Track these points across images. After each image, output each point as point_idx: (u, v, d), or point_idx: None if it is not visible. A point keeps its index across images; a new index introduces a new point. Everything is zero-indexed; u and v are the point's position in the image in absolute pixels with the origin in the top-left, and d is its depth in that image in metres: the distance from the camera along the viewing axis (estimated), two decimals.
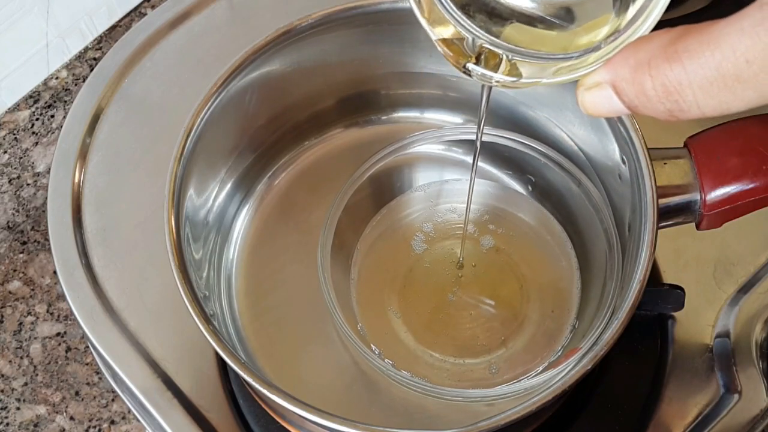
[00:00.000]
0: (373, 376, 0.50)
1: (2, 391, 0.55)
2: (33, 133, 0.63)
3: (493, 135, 0.51)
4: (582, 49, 0.30)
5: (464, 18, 0.33)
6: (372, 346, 0.50)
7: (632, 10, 0.29)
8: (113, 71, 0.58)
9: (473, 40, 0.33)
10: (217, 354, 0.45)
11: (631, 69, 0.25)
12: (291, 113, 0.55)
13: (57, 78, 0.64)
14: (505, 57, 0.32)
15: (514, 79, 0.32)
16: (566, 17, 0.31)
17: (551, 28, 0.32)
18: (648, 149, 0.43)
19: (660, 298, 0.51)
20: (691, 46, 0.23)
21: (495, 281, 0.52)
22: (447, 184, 0.55)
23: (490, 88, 0.39)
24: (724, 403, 0.50)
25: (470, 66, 0.33)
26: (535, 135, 0.51)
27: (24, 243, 0.59)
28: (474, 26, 0.33)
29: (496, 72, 0.32)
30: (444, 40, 0.33)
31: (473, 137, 0.51)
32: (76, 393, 0.54)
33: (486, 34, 0.32)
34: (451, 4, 0.33)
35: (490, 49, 0.33)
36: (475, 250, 0.53)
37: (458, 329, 0.51)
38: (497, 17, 0.32)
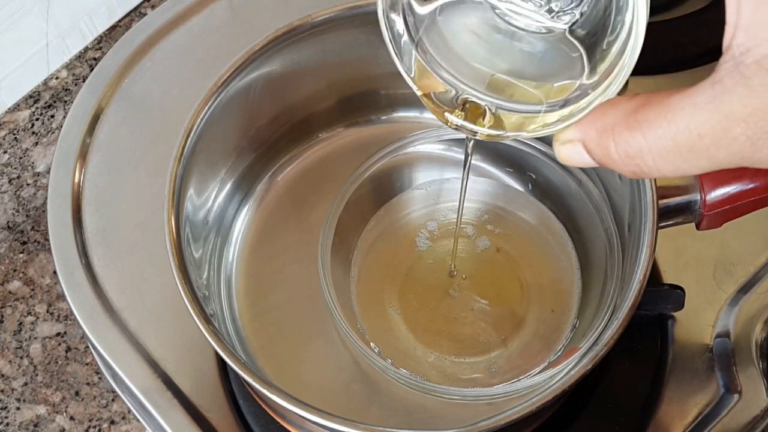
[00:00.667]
0: (373, 375, 0.50)
1: (2, 391, 0.55)
2: (33, 133, 0.63)
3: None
4: (557, 100, 0.32)
5: (450, 71, 0.34)
6: (372, 344, 0.50)
7: (601, 69, 0.30)
8: (113, 71, 0.58)
9: (456, 94, 0.34)
10: (217, 354, 0.45)
11: (597, 132, 0.27)
12: (291, 113, 0.55)
13: (57, 78, 0.64)
14: (488, 109, 0.34)
15: (499, 132, 0.33)
16: (541, 72, 0.33)
17: (528, 82, 0.33)
18: None
19: (660, 298, 0.51)
20: (650, 117, 0.25)
21: (495, 280, 0.52)
22: (448, 182, 0.55)
23: (473, 140, 0.40)
24: (724, 403, 0.50)
25: (456, 120, 0.34)
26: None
27: (24, 243, 0.59)
28: (459, 79, 0.34)
29: (480, 125, 0.34)
30: (427, 95, 0.35)
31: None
32: (76, 393, 0.54)
33: (470, 87, 0.34)
34: (436, 58, 0.34)
35: (473, 102, 0.34)
36: (476, 249, 0.53)
37: (458, 328, 0.51)
38: (479, 71, 0.34)
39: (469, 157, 0.44)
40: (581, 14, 0.31)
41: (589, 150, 0.28)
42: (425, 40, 0.34)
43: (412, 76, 0.35)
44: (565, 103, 0.31)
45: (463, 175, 0.45)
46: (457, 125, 0.34)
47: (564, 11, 0.32)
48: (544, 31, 0.32)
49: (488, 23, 0.33)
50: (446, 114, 0.34)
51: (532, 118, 0.33)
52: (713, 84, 0.24)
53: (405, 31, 0.34)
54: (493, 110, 0.34)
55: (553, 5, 0.32)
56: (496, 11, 0.33)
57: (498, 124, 0.34)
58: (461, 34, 0.34)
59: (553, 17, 0.32)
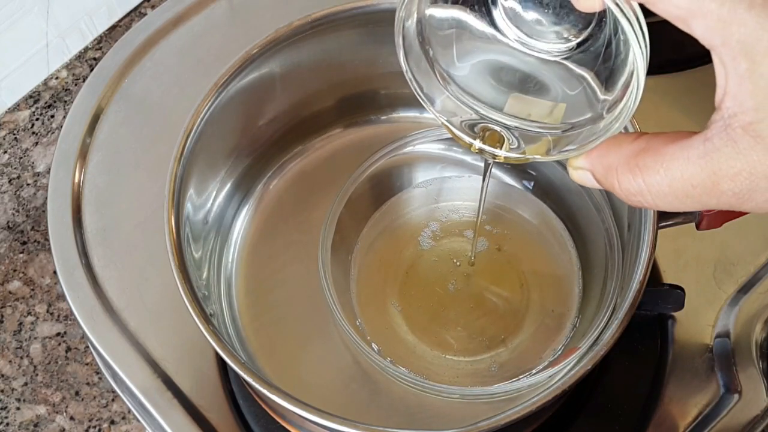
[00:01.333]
0: (374, 375, 0.50)
1: (2, 391, 0.55)
2: (33, 133, 0.63)
3: None
4: (572, 122, 0.34)
5: (470, 98, 0.36)
6: (371, 343, 0.50)
7: (611, 95, 0.32)
8: (113, 71, 0.58)
9: (476, 118, 0.36)
10: (217, 354, 0.45)
11: (603, 169, 0.30)
12: (291, 113, 0.55)
13: (57, 78, 0.64)
14: (507, 134, 0.36)
15: (518, 155, 0.36)
16: (555, 95, 0.35)
17: (544, 102, 0.35)
18: None
19: (660, 298, 0.51)
20: (648, 164, 0.28)
21: (496, 279, 0.52)
22: (448, 181, 0.55)
23: (492, 164, 0.43)
24: (724, 403, 0.50)
25: (478, 144, 0.36)
26: None
27: (24, 243, 0.59)
28: (479, 104, 0.36)
29: (500, 149, 0.36)
30: (449, 121, 0.37)
31: None
32: (76, 393, 0.54)
33: (490, 110, 0.36)
34: (457, 85, 0.36)
35: (493, 129, 0.36)
36: (477, 248, 0.53)
37: (458, 327, 0.51)
38: (497, 96, 0.36)
39: (488, 178, 0.46)
40: (587, 38, 0.33)
41: (597, 180, 0.30)
42: (444, 70, 0.36)
43: (434, 105, 0.36)
44: (580, 126, 0.33)
45: (481, 196, 0.47)
46: (479, 149, 0.36)
47: (570, 33, 0.33)
48: (555, 56, 0.34)
49: (502, 53, 0.35)
50: (468, 138, 0.36)
51: (549, 141, 0.35)
52: (704, 141, 0.26)
53: (425, 62, 0.36)
54: (514, 134, 0.36)
55: (559, 29, 0.33)
56: (509, 43, 0.34)
57: (517, 147, 0.36)
58: (478, 65, 0.36)
59: (561, 40, 0.33)
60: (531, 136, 0.35)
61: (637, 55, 0.28)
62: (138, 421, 0.51)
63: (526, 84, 0.35)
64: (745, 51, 0.24)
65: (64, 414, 0.54)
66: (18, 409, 0.54)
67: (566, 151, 0.33)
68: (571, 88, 0.34)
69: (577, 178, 0.32)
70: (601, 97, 0.33)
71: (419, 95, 0.36)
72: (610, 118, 0.32)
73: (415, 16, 0.34)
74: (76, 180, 0.55)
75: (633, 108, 0.30)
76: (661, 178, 0.27)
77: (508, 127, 0.36)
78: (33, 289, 0.58)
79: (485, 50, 0.35)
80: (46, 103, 0.64)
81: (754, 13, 0.23)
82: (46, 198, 0.55)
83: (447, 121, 0.36)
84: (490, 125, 0.36)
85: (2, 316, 0.57)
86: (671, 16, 0.25)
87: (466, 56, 0.36)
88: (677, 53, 0.59)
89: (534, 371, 0.48)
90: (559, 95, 0.35)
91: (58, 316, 0.57)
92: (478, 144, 0.36)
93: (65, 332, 0.56)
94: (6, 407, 0.54)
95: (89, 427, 0.54)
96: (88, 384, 0.55)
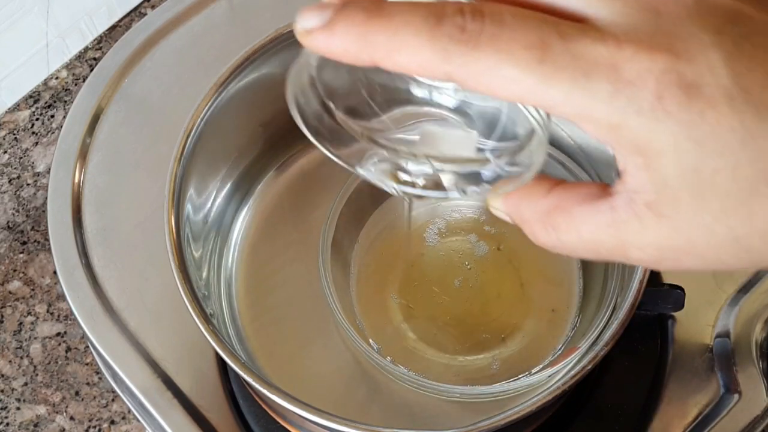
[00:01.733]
0: (374, 375, 0.50)
1: (2, 391, 0.55)
2: (33, 133, 0.63)
3: None
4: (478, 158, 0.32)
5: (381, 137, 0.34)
6: (371, 342, 0.50)
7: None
8: (113, 71, 0.58)
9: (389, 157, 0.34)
10: (217, 354, 0.45)
11: (519, 220, 0.30)
12: (291, 113, 0.55)
13: (57, 78, 0.64)
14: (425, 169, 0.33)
15: (436, 193, 0.33)
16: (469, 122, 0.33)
17: (456, 133, 0.33)
18: None
19: (660, 298, 0.51)
20: (561, 225, 0.28)
21: (496, 278, 0.52)
22: None
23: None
24: (724, 403, 0.50)
25: (394, 186, 0.33)
26: None
27: (24, 243, 0.59)
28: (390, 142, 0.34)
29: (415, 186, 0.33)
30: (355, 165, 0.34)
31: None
32: (76, 393, 0.54)
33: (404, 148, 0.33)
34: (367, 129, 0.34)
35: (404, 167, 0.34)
36: (477, 246, 0.53)
37: (458, 326, 0.51)
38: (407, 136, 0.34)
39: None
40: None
41: (515, 223, 0.31)
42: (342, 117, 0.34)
43: (340, 154, 0.34)
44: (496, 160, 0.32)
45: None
46: (398, 191, 0.34)
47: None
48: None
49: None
50: (388, 185, 0.34)
51: (467, 177, 0.33)
52: (611, 209, 0.26)
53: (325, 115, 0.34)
54: (429, 171, 0.33)
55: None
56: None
57: (435, 185, 0.33)
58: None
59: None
60: (447, 173, 0.33)
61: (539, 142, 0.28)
62: (138, 421, 0.51)
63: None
64: (638, 149, 0.24)
65: (64, 414, 0.54)
66: (18, 409, 0.54)
67: (481, 193, 0.32)
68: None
69: (498, 215, 0.32)
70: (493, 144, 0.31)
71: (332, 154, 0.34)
72: (515, 163, 0.31)
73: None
74: (76, 180, 0.55)
75: (540, 162, 0.29)
76: (575, 239, 0.27)
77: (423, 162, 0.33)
78: (33, 289, 0.58)
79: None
80: (46, 103, 0.64)
81: (644, 119, 0.23)
82: (46, 198, 0.55)
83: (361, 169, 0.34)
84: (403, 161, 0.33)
85: (2, 316, 0.57)
86: (561, 117, 0.24)
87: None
88: None
89: (534, 371, 0.48)
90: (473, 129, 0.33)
91: (58, 316, 0.57)
92: (395, 186, 0.33)
93: (65, 332, 0.56)
94: (6, 407, 0.54)
95: (89, 427, 0.54)
96: (88, 384, 0.55)
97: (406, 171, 0.33)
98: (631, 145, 0.24)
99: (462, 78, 0.24)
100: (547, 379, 0.45)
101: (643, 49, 0.23)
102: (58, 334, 0.56)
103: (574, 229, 0.27)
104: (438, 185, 0.33)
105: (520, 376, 0.48)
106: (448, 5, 0.24)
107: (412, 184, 0.33)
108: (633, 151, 0.24)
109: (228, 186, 0.53)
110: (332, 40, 0.25)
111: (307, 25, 0.25)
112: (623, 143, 0.24)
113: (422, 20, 0.24)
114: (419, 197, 0.33)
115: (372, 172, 0.34)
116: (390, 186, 0.33)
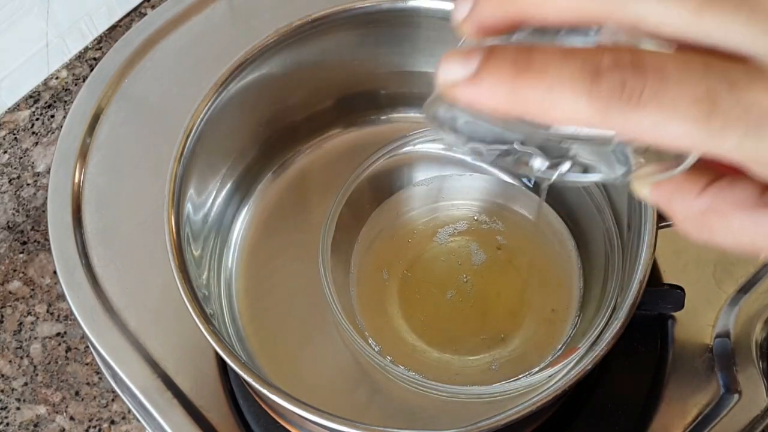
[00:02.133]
0: (374, 375, 0.50)
1: (2, 391, 0.55)
2: (33, 133, 0.63)
3: None
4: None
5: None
6: (371, 342, 0.50)
7: None
8: (113, 71, 0.58)
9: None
10: (217, 354, 0.45)
11: (670, 213, 0.27)
12: (290, 113, 0.55)
13: (57, 78, 0.64)
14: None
15: (578, 176, 0.31)
16: None
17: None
18: None
19: (660, 298, 0.51)
20: (717, 229, 0.26)
21: (496, 278, 0.52)
22: (449, 179, 0.55)
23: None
24: (724, 403, 0.50)
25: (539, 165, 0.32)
26: None
27: (24, 243, 0.59)
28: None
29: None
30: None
31: None
32: (76, 393, 0.54)
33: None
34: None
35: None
36: (477, 246, 0.53)
37: (458, 326, 0.51)
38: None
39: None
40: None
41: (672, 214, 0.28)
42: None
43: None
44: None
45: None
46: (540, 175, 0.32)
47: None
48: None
49: None
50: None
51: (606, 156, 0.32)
52: None
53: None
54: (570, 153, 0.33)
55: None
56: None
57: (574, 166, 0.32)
58: None
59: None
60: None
61: None
62: (138, 421, 0.51)
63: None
64: None
65: (64, 414, 0.54)
66: (18, 409, 0.54)
67: (624, 176, 0.29)
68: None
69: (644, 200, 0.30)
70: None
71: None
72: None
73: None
74: (76, 180, 0.55)
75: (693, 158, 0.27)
76: (731, 242, 0.26)
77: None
78: (33, 289, 0.58)
79: None
80: (46, 103, 0.64)
81: None
82: (46, 198, 0.55)
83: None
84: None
85: (2, 316, 0.57)
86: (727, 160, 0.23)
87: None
88: None
89: (534, 371, 0.48)
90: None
91: (58, 316, 0.57)
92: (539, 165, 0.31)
93: (65, 332, 0.56)
94: (6, 407, 0.54)
95: (89, 427, 0.54)
96: (88, 384, 0.55)
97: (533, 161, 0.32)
98: None
99: (622, 132, 0.23)
100: (547, 379, 0.45)
101: None
102: (58, 334, 0.56)
103: (731, 234, 0.26)
104: (578, 168, 0.30)
105: (520, 376, 0.48)
106: (606, 55, 0.22)
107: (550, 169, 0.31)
108: None
109: (228, 186, 0.54)
110: (480, 95, 0.23)
111: (451, 76, 0.23)
112: None
113: (578, 75, 0.22)
114: (561, 180, 0.31)
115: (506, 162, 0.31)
116: (534, 170, 0.31)
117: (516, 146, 0.31)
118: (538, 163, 0.31)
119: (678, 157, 0.27)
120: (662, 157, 0.28)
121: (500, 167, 0.32)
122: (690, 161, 0.26)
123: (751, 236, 0.26)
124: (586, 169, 0.30)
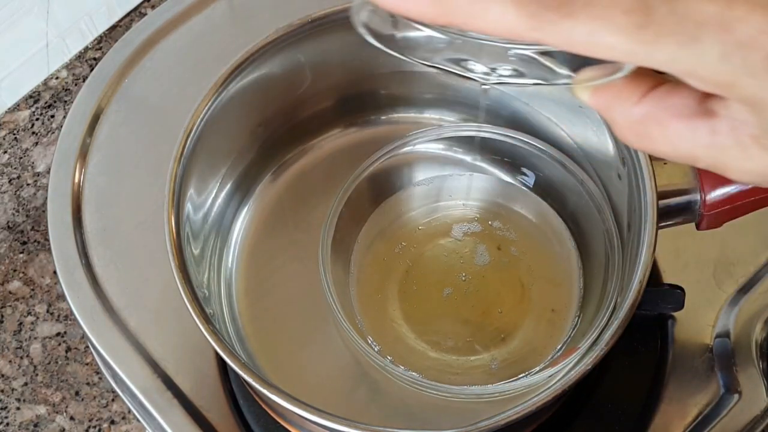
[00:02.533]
0: (374, 375, 0.50)
1: (2, 391, 0.55)
2: (33, 133, 0.63)
3: (495, 133, 0.52)
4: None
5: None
6: (371, 342, 0.50)
7: None
8: (113, 71, 0.58)
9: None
10: (217, 354, 0.45)
11: (610, 120, 0.26)
12: (291, 113, 0.55)
13: (57, 78, 0.64)
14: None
15: (519, 79, 0.31)
16: None
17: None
18: None
19: (660, 298, 0.51)
20: (654, 136, 0.26)
21: (496, 278, 0.52)
22: (449, 179, 0.55)
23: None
24: (724, 403, 0.50)
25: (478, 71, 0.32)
26: (535, 133, 0.52)
27: (24, 243, 0.59)
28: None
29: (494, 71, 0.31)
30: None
31: (472, 134, 0.52)
32: (76, 393, 0.54)
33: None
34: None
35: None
36: (477, 246, 0.53)
37: (458, 326, 0.51)
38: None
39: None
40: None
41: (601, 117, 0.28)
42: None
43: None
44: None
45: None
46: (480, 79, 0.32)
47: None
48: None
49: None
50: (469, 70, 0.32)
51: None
52: (712, 132, 0.25)
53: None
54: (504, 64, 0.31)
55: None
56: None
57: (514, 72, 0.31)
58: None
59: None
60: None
61: None
62: (138, 421, 0.51)
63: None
64: (748, 102, 0.23)
65: (64, 414, 0.54)
66: (18, 409, 0.54)
67: (564, 80, 0.29)
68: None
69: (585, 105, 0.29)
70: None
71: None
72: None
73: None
74: (76, 180, 0.55)
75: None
76: (669, 151, 0.26)
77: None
78: (33, 289, 0.58)
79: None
80: (46, 103, 0.64)
81: (757, 81, 0.22)
82: (46, 198, 0.55)
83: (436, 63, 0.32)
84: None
85: (2, 316, 0.57)
86: (664, 71, 0.23)
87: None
88: None
89: (534, 371, 0.48)
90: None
91: (58, 316, 0.57)
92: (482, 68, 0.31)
93: (65, 332, 0.56)
94: (6, 407, 0.54)
95: (89, 427, 0.54)
96: (88, 384, 0.55)
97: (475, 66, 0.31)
98: (741, 98, 0.23)
99: (553, 44, 0.22)
100: (547, 379, 0.45)
101: (757, 9, 0.22)
102: (58, 334, 0.56)
103: (669, 143, 0.25)
104: (517, 73, 0.30)
105: (520, 376, 0.48)
106: None
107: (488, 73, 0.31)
108: (742, 102, 0.23)
109: (228, 186, 0.53)
110: (407, 3, 0.23)
111: None
112: (732, 95, 0.23)
113: None
114: (500, 84, 0.31)
115: (446, 65, 0.31)
116: (474, 73, 0.31)
117: (449, 53, 0.31)
118: (479, 68, 0.30)
119: (618, 63, 0.26)
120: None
121: (441, 68, 0.32)
122: (629, 67, 0.26)
123: (689, 146, 0.25)
124: (526, 74, 0.29)
